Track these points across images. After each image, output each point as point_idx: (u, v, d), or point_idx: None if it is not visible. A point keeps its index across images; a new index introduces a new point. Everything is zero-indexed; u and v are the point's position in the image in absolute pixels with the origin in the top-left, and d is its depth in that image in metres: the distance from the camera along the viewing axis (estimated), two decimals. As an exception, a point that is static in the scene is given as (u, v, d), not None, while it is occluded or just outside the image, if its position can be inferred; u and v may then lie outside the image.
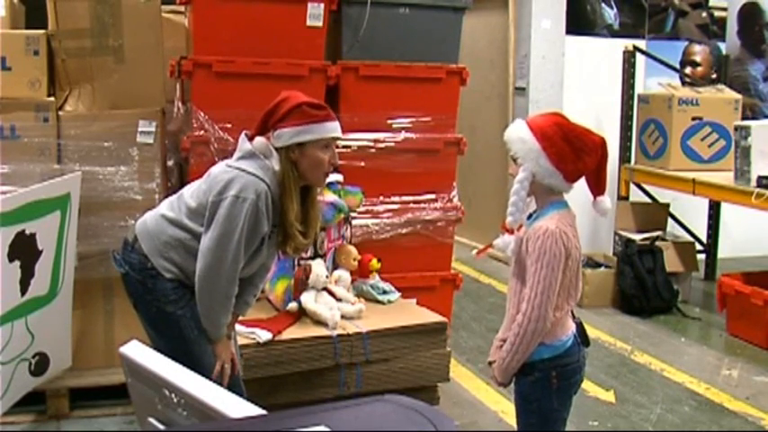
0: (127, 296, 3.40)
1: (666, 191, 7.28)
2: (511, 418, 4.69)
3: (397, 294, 4.61)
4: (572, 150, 2.94)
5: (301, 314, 4.23)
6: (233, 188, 3.10)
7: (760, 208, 5.79)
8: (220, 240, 3.11)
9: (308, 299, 4.21)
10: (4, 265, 3.72)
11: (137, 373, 1.66)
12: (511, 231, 3.05)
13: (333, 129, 3.24)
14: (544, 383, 2.97)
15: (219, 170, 3.22)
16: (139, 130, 4.59)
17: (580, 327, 3.07)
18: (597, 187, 3.07)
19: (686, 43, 8.46)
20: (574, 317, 3.08)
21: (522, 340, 2.89)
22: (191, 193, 3.29)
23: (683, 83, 7.80)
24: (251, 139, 3.27)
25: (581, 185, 3.09)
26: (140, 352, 1.68)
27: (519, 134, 2.98)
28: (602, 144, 3.00)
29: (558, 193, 3.01)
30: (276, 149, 3.20)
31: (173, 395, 1.54)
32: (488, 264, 8.41)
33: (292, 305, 4.22)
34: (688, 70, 8.35)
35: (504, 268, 8.23)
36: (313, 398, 4.05)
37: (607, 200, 3.08)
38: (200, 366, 3.02)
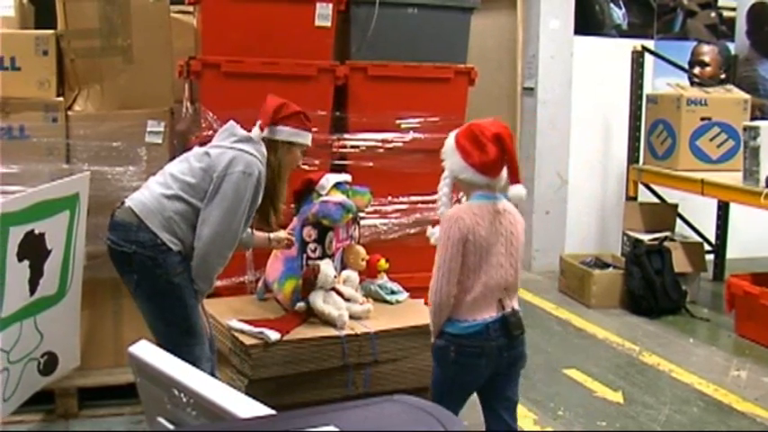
0: (126, 277, 3.68)
1: (675, 191, 7.27)
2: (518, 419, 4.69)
3: (406, 294, 4.61)
4: (475, 145, 3.28)
5: (309, 314, 4.23)
6: (239, 165, 3.57)
7: (769, 208, 5.78)
8: (229, 211, 3.56)
9: (315, 299, 4.20)
10: (14, 265, 3.72)
11: (145, 373, 1.66)
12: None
13: (310, 140, 3.95)
14: (445, 351, 3.35)
15: (218, 151, 3.65)
16: (148, 130, 4.60)
17: (505, 320, 3.31)
18: (510, 175, 3.31)
19: (695, 43, 8.45)
20: (504, 309, 3.32)
21: (432, 309, 3.33)
22: (181, 171, 3.66)
23: (692, 83, 7.79)
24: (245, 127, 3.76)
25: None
26: (149, 351, 1.68)
27: (449, 138, 3.41)
28: (497, 134, 3.25)
29: (482, 187, 3.32)
30: (268, 141, 3.75)
31: (182, 395, 1.54)
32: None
33: (300, 305, 4.22)
34: (697, 70, 8.33)
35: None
36: (321, 398, 4.04)
37: (519, 188, 3.29)
38: (196, 327, 3.68)
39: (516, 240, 3.36)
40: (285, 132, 3.81)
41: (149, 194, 3.64)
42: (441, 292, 3.27)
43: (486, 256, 3.26)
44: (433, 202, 4.96)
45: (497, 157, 3.25)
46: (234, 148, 3.63)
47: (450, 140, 3.36)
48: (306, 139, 3.90)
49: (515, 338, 3.35)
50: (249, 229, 3.95)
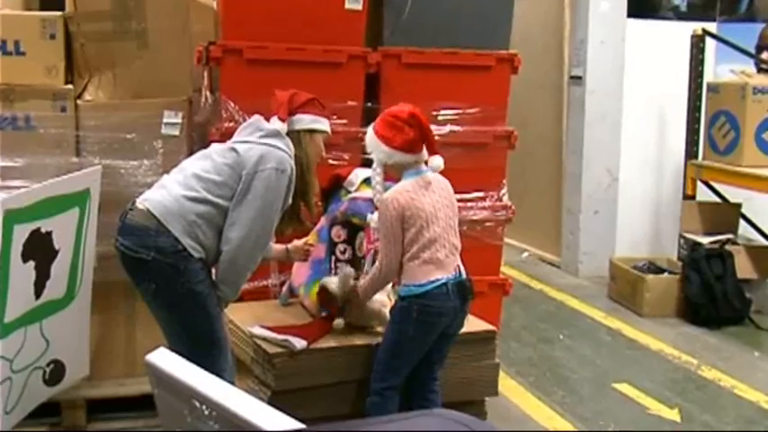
0: (143, 285, 3.68)
1: (738, 189, 7.21)
2: (565, 438, 4.69)
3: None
4: (394, 130, 3.86)
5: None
6: (270, 161, 3.63)
7: (842, 209, 5.72)
8: (261, 211, 3.61)
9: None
10: (18, 266, 3.75)
11: (164, 383, 1.67)
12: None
13: (329, 126, 4.04)
14: (407, 312, 3.83)
15: (246, 147, 3.70)
16: (164, 121, 4.62)
17: (462, 284, 3.88)
18: (429, 148, 3.94)
19: (763, 25, 8.35)
20: (462, 274, 3.90)
21: (377, 280, 3.95)
22: (204, 169, 3.68)
23: (759, 69, 7.70)
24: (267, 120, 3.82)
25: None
26: (168, 360, 1.69)
27: (368, 132, 3.98)
28: (410, 113, 3.88)
29: (411, 164, 3.90)
30: (289, 134, 3.80)
31: (203, 406, 1.55)
32: (540, 268, 8.39)
33: (338, 321, 4.18)
34: (764, 55, 8.24)
35: (555, 273, 8.21)
36: (351, 411, 4.05)
37: (438, 159, 3.95)
38: (220, 337, 3.73)
39: (451, 204, 4.00)
40: (305, 120, 3.89)
41: (168, 195, 3.61)
42: (388, 268, 3.86)
43: (427, 225, 3.82)
44: (473, 200, 5.02)
45: (416, 134, 3.86)
46: (263, 144, 3.68)
47: (370, 133, 3.95)
48: (326, 125, 3.99)
49: (467, 302, 3.94)
50: None
